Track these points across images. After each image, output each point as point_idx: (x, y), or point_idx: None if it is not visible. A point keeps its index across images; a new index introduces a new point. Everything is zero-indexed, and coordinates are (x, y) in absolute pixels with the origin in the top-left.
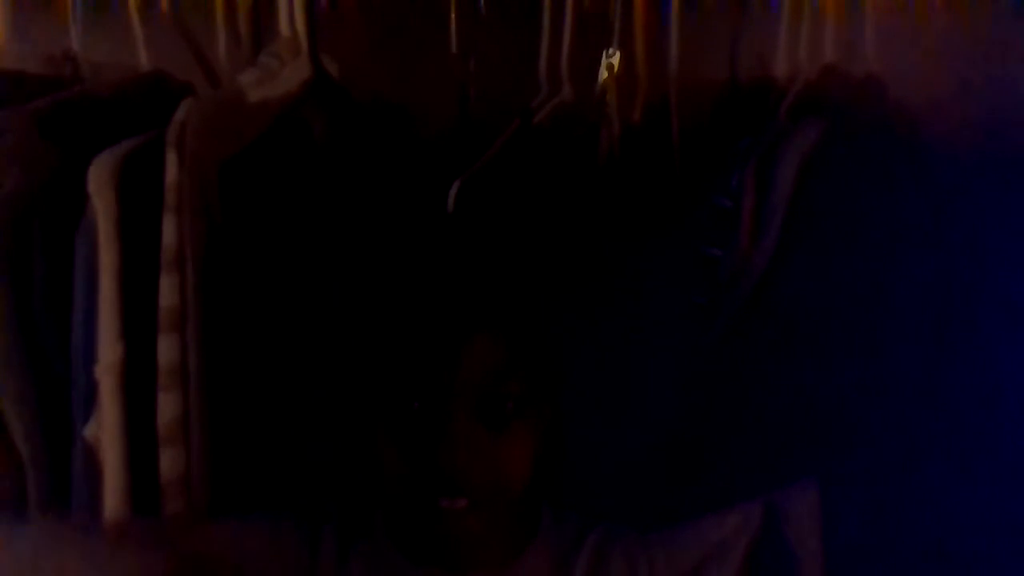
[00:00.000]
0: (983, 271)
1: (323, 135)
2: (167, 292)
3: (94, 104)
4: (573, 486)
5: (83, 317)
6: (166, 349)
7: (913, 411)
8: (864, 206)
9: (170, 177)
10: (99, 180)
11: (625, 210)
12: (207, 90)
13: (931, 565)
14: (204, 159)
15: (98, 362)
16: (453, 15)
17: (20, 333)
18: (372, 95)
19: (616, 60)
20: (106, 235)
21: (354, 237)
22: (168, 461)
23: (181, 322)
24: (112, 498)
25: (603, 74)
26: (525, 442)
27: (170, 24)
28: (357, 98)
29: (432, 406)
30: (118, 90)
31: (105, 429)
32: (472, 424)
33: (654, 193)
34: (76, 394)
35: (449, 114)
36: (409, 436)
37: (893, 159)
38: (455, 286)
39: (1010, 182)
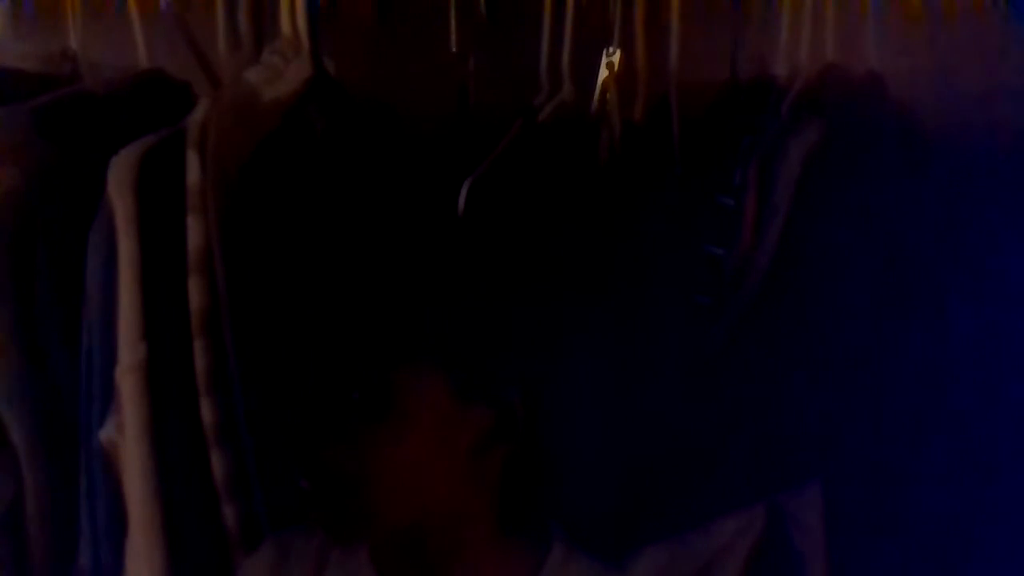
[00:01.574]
0: (985, 269)
1: (324, 134)
2: (196, 294)
3: (92, 102)
4: (573, 490)
5: (99, 318)
6: (202, 351)
7: (917, 410)
8: (865, 205)
9: (192, 178)
10: (119, 179)
11: (627, 209)
12: (209, 89)
13: (933, 565)
14: (224, 158)
15: (119, 363)
16: (453, 14)
17: (19, 331)
18: (364, 94)
19: (617, 59)
20: (126, 235)
21: (356, 238)
22: (219, 461)
23: (213, 323)
24: (140, 500)
25: (603, 73)
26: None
27: (170, 24)
28: (354, 97)
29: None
30: (116, 88)
31: (130, 431)
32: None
33: (656, 192)
34: (88, 395)
35: (449, 114)
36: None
37: (894, 158)
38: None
39: (1011, 180)
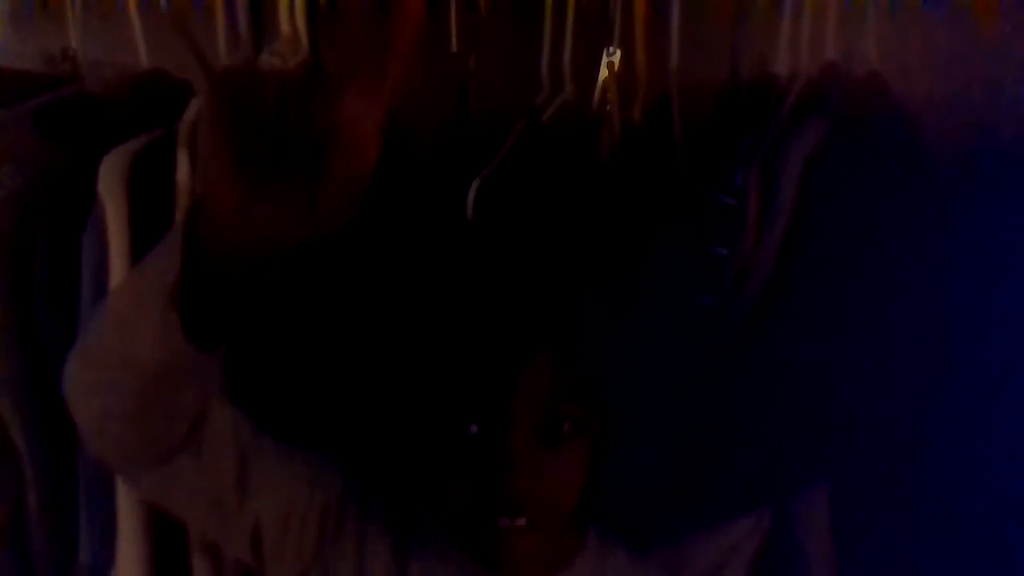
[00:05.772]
0: (986, 269)
1: None
2: None
3: (92, 103)
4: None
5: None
6: None
7: (921, 411)
8: (868, 204)
9: (182, 177)
10: (110, 179)
11: (628, 209)
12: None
13: (940, 565)
14: None
15: None
16: (453, 15)
17: (20, 331)
18: None
19: (617, 58)
20: (117, 234)
21: (368, 242)
22: None
23: None
24: (128, 497)
25: (604, 72)
26: (580, 460)
27: (170, 23)
28: None
29: (491, 429)
30: (116, 89)
31: None
32: (531, 446)
33: (657, 192)
34: None
35: (449, 113)
36: (468, 458)
37: (896, 157)
38: (513, 308)
39: (1012, 180)
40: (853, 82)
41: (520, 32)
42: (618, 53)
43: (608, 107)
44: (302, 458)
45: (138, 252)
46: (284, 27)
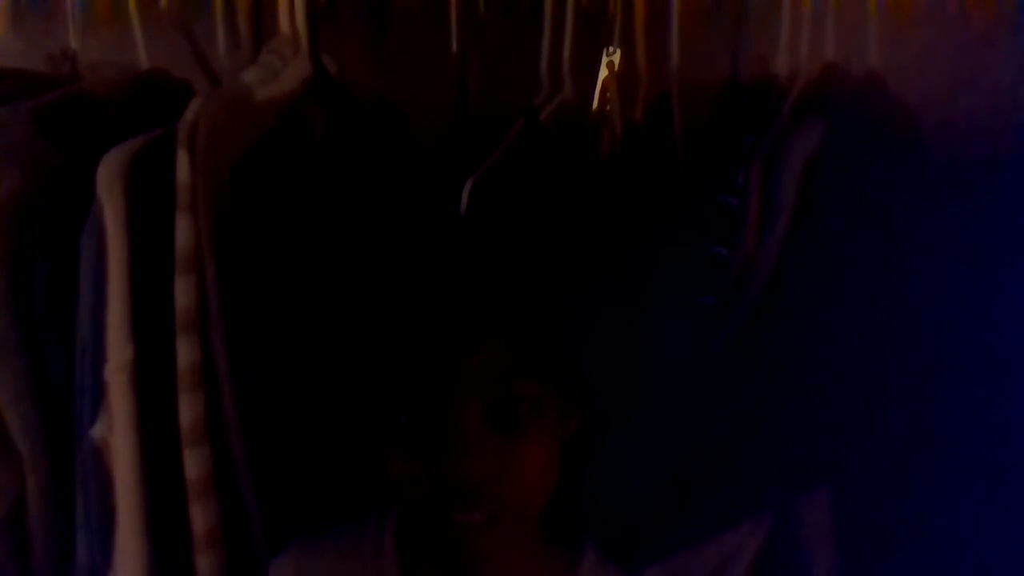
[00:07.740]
0: (987, 269)
1: (322, 134)
2: (183, 293)
3: (92, 102)
4: (582, 498)
5: (90, 317)
6: (185, 350)
7: (923, 411)
8: (868, 204)
9: (182, 177)
10: (108, 179)
11: (628, 209)
12: (209, 89)
13: (940, 565)
14: (216, 158)
15: (107, 363)
16: (453, 15)
17: (19, 330)
18: (367, 93)
19: (617, 58)
20: (115, 235)
21: (360, 238)
22: (193, 462)
23: (199, 323)
24: (126, 498)
25: (604, 72)
26: (545, 447)
27: (170, 23)
28: (355, 97)
29: (438, 413)
30: (116, 88)
31: (117, 430)
32: (482, 429)
33: (658, 192)
34: (81, 394)
35: (449, 113)
36: (417, 446)
37: (896, 157)
38: (457, 288)
39: (1012, 180)
40: (853, 82)
41: (519, 32)
42: (618, 53)
43: (608, 107)
44: None
45: (136, 252)
46: (284, 27)
